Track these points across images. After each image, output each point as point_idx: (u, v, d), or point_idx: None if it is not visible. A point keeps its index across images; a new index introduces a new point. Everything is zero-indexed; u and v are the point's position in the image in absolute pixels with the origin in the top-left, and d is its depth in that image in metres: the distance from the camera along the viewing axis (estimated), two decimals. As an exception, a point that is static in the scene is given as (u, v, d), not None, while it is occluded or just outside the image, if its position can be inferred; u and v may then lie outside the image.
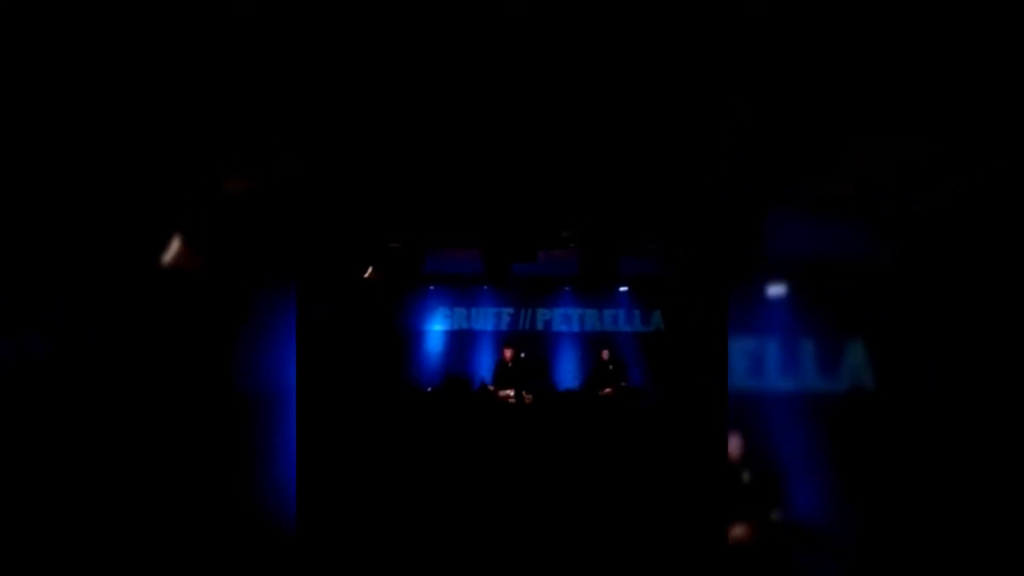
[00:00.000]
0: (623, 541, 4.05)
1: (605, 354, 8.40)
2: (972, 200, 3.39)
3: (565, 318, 9.48)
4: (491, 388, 7.95)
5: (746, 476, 3.75)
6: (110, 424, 3.17)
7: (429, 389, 8.18)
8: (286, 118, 4.33)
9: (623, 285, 9.34)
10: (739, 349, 3.50)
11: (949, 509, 3.25)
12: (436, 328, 9.43)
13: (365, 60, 4.47)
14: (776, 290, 3.36)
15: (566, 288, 9.43)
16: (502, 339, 9.07)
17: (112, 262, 3.17)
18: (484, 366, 8.94)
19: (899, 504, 3.37)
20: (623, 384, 8.24)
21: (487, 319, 9.43)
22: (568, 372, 9.26)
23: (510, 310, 9.44)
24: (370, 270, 8.40)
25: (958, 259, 3.30)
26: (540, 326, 9.48)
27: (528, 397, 7.58)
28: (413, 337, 9.28)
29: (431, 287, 9.35)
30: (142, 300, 3.17)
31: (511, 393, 7.70)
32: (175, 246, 3.15)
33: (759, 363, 3.52)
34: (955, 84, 3.34)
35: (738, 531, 3.69)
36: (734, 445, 3.72)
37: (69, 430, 3.07)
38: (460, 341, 9.38)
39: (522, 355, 8.49)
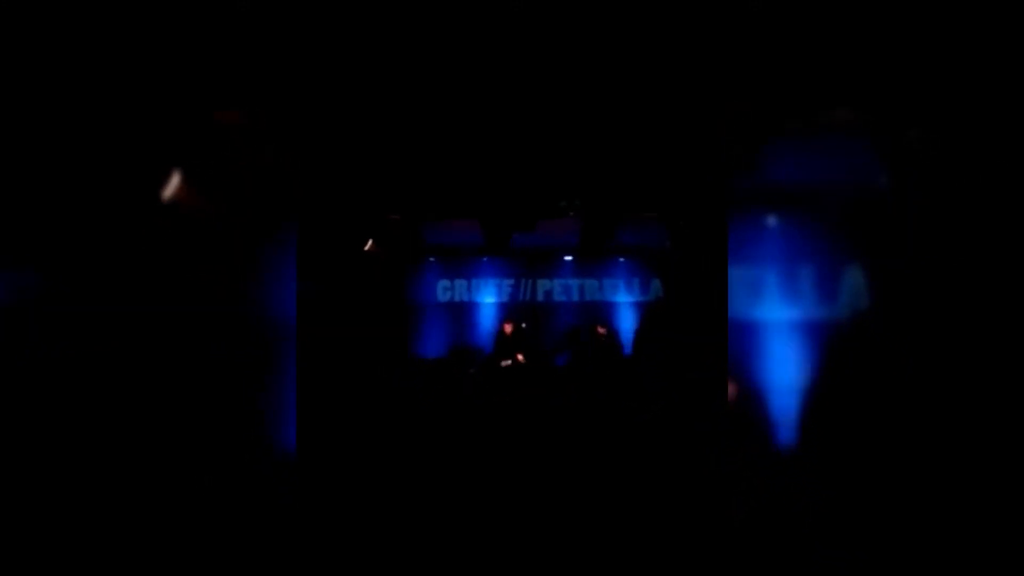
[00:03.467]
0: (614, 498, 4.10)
1: (602, 330, 8.41)
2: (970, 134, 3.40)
3: (565, 288, 9.50)
4: (492, 357, 7.99)
5: (736, 407, 3.76)
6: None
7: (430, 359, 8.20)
8: (289, 91, 4.34)
9: (622, 255, 9.38)
10: (737, 279, 3.51)
11: (940, 442, 3.26)
12: (437, 299, 9.45)
13: (366, 35, 4.48)
14: (773, 219, 3.39)
15: (566, 259, 9.45)
16: (503, 310, 9.13)
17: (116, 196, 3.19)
18: (485, 337, 8.97)
19: (886, 432, 3.36)
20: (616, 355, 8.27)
21: (488, 290, 9.45)
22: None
23: (511, 281, 9.46)
24: (370, 242, 8.42)
25: (957, 188, 3.31)
26: (541, 297, 9.51)
27: (520, 358, 7.67)
28: (413, 308, 9.30)
29: (431, 259, 9.37)
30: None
31: (511, 362, 7.75)
32: (175, 181, 3.17)
33: (758, 292, 3.53)
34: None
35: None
36: (732, 389, 3.73)
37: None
38: (461, 312, 9.40)
39: (523, 326, 8.52)
